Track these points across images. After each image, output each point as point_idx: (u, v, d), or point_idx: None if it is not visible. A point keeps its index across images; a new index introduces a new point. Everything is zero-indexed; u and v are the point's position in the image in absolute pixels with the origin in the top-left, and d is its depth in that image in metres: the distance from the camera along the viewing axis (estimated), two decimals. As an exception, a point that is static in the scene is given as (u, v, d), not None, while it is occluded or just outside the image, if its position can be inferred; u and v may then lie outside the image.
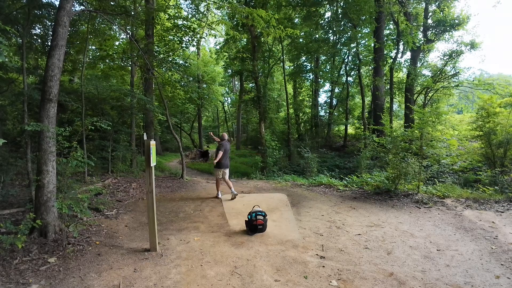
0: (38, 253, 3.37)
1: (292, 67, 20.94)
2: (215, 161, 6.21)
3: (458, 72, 13.47)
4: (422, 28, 13.81)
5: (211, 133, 7.96)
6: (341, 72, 19.43)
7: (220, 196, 6.42)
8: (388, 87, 14.07)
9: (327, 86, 21.71)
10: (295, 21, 16.60)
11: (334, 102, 20.84)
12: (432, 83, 13.45)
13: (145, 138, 3.67)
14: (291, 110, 19.32)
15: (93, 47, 12.62)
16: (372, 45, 14.10)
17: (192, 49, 19.40)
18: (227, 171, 6.39)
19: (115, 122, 9.19)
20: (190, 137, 24.00)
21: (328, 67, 19.43)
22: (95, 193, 5.45)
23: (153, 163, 3.56)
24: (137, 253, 3.52)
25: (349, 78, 19.34)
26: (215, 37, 18.39)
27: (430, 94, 14.96)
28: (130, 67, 11.48)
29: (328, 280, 2.89)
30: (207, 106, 24.69)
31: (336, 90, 20.77)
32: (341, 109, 20.86)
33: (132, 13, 8.51)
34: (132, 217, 4.96)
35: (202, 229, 4.40)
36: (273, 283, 2.84)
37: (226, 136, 6.55)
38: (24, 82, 5.61)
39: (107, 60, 12.17)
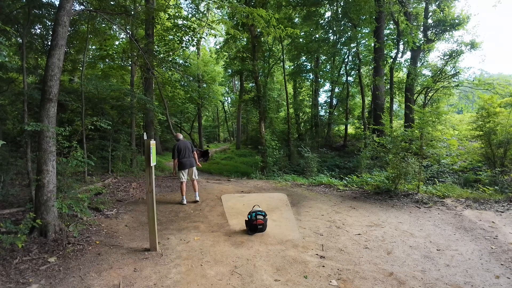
0: (38, 252, 3.37)
1: (292, 67, 20.93)
2: (174, 165, 5.90)
3: (458, 72, 13.46)
4: (422, 28, 13.80)
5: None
6: (341, 72, 19.43)
7: (185, 202, 5.80)
8: (388, 86, 14.06)
9: (327, 86, 21.71)
10: (295, 21, 16.58)
11: (334, 101, 20.83)
12: (432, 83, 13.44)
13: (145, 137, 3.68)
14: (291, 110, 19.31)
15: (93, 47, 12.61)
16: (372, 44, 14.08)
17: (192, 48, 19.38)
18: (193, 170, 5.99)
19: (115, 122, 9.18)
20: (190, 136, 23.97)
21: (328, 67, 19.42)
22: (95, 192, 5.44)
23: (153, 162, 3.56)
24: (137, 252, 3.52)
25: (349, 78, 19.34)
26: (215, 37, 18.44)
27: (430, 94, 14.95)
28: (130, 67, 11.48)
29: (328, 279, 2.90)
30: (207, 106, 24.69)
31: (336, 90, 20.76)
32: (341, 109, 20.85)
33: (132, 12, 8.51)
34: (132, 217, 4.96)
35: (202, 229, 4.40)
36: (273, 282, 2.84)
37: (180, 135, 6.27)
38: (24, 81, 5.60)
39: (107, 60, 12.17)
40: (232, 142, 30.71)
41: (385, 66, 13.57)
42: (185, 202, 5.83)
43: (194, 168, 6.08)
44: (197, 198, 6.00)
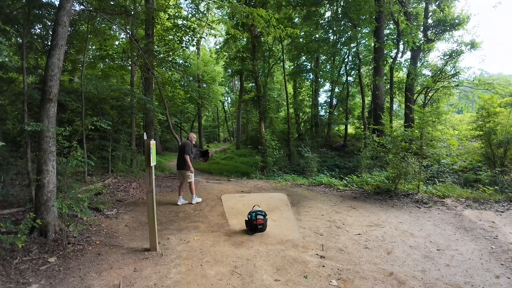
0: (38, 252, 3.37)
1: (292, 67, 20.92)
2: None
3: (458, 71, 13.47)
4: (422, 27, 13.80)
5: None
6: (341, 72, 19.42)
7: (179, 203, 5.76)
8: (388, 86, 14.06)
9: (327, 86, 21.71)
10: (295, 21, 16.58)
11: (334, 101, 20.83)
12: (432, 83, 13.45)
13: (145, 137, 3.68)
14: (291, 110, 19.30)
15: (93, 47, 12.60)
16: (372, 44, 14.09)
17: (192, 48, 19.39)
18: (182, 172, 5.73)
19: (115, 122, 9.19)
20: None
21: (328, 67, 19.42)
22: (95, 192, 5.44)
23: (153, 162, 3.56)
24: (137, 252, 3.52)
25: (349, 78, 19.33)
26: (215, 37, 18.39)
27: (430, 94, 14.96)
28: (130, 67, 11.49)
29: (328, 279, 2.89)
30: (207, 106, 24.68)
31: (336, 90, 20.75)
32: (341, 109, 20.85)
33: (132, 12, 8.51)
34: (132, 217, 4.96)
35: (202, 229, 4.40)
36: (273, 282, 2.84)
37: (190, 135, 5.99)
38: (24, 81, 5.60)
39: (107, 60, 12.16)
40: (232, 142, 30.69)
41: (385, 66, 13.57)
42: (180, 202, 5.76)
43: (186, 172, 5.70)
44: (194, 201, 5.82)
